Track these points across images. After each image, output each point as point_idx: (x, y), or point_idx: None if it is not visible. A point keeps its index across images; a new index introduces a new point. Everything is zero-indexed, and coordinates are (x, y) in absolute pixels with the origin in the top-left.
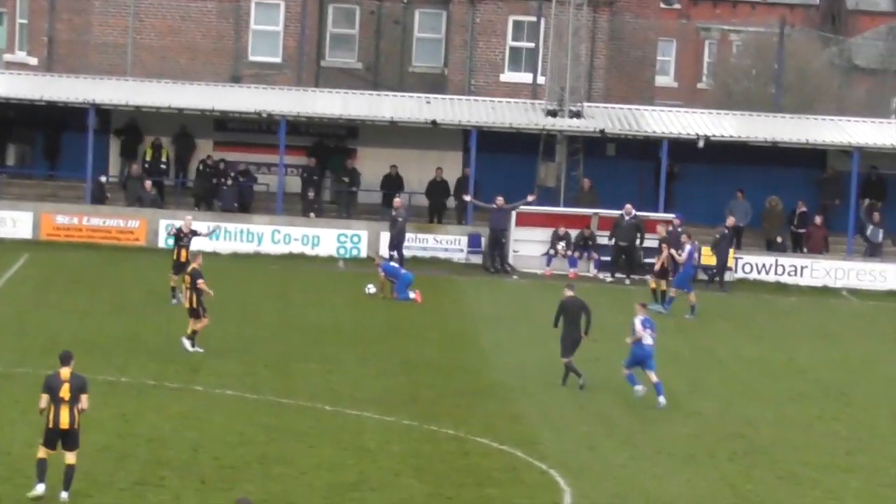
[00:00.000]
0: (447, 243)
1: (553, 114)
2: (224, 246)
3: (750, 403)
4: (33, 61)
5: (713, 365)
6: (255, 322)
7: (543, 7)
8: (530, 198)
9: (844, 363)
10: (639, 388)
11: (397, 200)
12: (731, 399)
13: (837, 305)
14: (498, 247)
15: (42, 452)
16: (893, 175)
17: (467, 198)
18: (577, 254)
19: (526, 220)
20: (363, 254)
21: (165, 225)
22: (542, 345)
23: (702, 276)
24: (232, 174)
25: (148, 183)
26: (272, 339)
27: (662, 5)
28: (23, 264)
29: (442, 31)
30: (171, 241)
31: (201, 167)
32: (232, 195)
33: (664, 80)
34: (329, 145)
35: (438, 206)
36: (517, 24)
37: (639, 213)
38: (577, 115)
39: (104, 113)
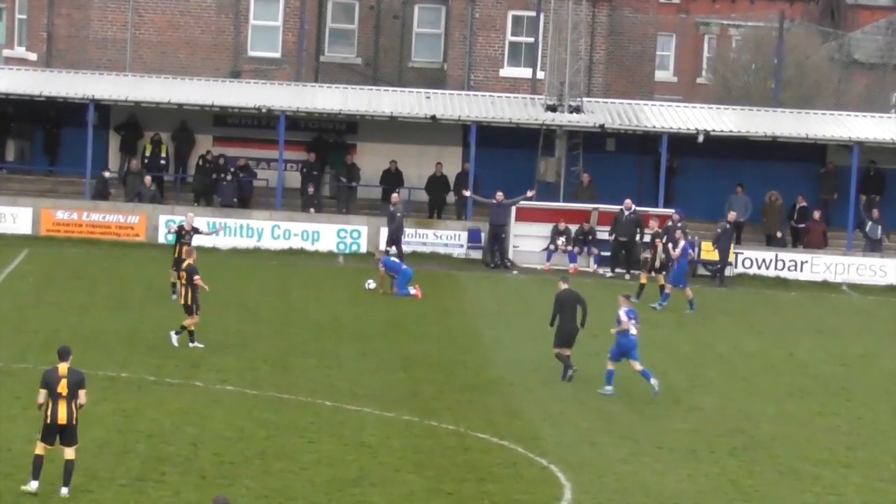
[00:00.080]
0: (447, 238)
1: (552, 109)
2: (224, 241)
3: (750, 398)
4: (32, 57)
5: (713, 360)
6: (254, 318)
7: (542, 2)
8: (530, 193)
9: (844, 358)
10: (609, 388)
11: (395, 196)
12: (731, 394)
13: (837, 300)
14: (498, 242)
15: (39, 449)
16: (892, 169)
17: (467, 193)
18: (576, 249)
19: (526, 216)
20: (363, 249)
21: (166, 221)
22: (543, 340)
23: (702, 271)
24: (231, 169)
25: (147, 178)
26: (272, 334)
27: (661, 0)
28: (22, 260)
29: (441, 26)
30: (172, 238)
31: (201, 162)
32: (231, 191)
33: (663, 75)
34: (328, 140)
35: (438, 201)
36: (516, 19)
37: (638, 208)
38: (577, 109)
39: (104, 108)
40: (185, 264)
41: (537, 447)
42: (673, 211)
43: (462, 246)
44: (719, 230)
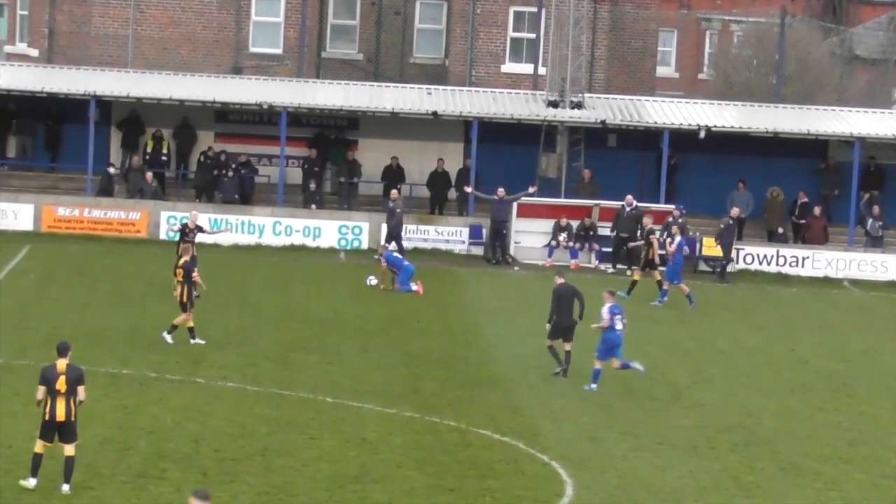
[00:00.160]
0: (448, 234)
1: (554, 104)
2: (225, 238)
3: (751, 394)
4: (34, 53)
5: (714, 356)
6: (256, 314)
7: None
8: (531, 189)
9: (846, 354)
10: (593, 386)
11: (394, 192)
12: (732, 390)
13: (839, 296)
14: (499, 238)
15: (39, 447)
16: (892, 165)
17: (469, 189)
18: (577, 245)
19: (527, 212)
20: (364, 245)
21: (167, 218)
22: (544, 336)
23: (704, 267)
24: (233, 166)
25: (149, 175)
26: (273, 330)
27: None
28: (24, 256)
29: (443, 22)
30: (175, 236)
31: (202, 159)
32: (233, 187)
33: (665, 71)
34: (330, 137)
35: (440, 197)
36: (518, 15)
37: (640, 204)
38: (578, 105)
39: (105, 104)
40: (181, 261)
41: (538, 443)
42: (673, 207)
43: (463, 242)
44: (722, 226)
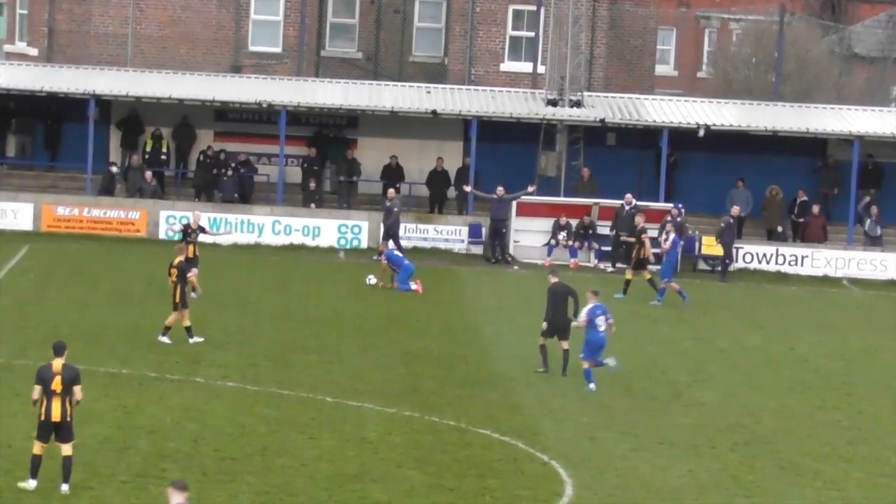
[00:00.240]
0: (448, 233)
1: (553, 103)
2: (226, 238)
3: (751, 393)
4: (33, 52)
5: (714, 355)
6: (255, 313)
7: None
8: (531, 189)
9: (845, 353)
10: (591, 386)
11: (391, 191)
12: (732, 389)
13: (838, 295)
14: (499, 237)
15: (37, 448)
16: (890, 163)
17: (468, 188)
18: (577, 244)
19: (527, 210)
20: (364, 244)
21: (167, 217)
22: None
23: (703, 266)
24: (232, 165)
25: (148, 174)
26: (273, 330)
27: None
28: (23, 256)
29: (442, 21)
30: (178, 236)
31: (202, 158)
32: (232, 186)
33: (664, 69)
34: (329, 135)
35: (439, 196)
36: (517, 14)
37: (639, 203)
38: (578, 104)
39: (104, 103)
40: (175, 261)
41: (538, 443)
42: (672, 205)
43: (463, 241)
44: (723, 225)
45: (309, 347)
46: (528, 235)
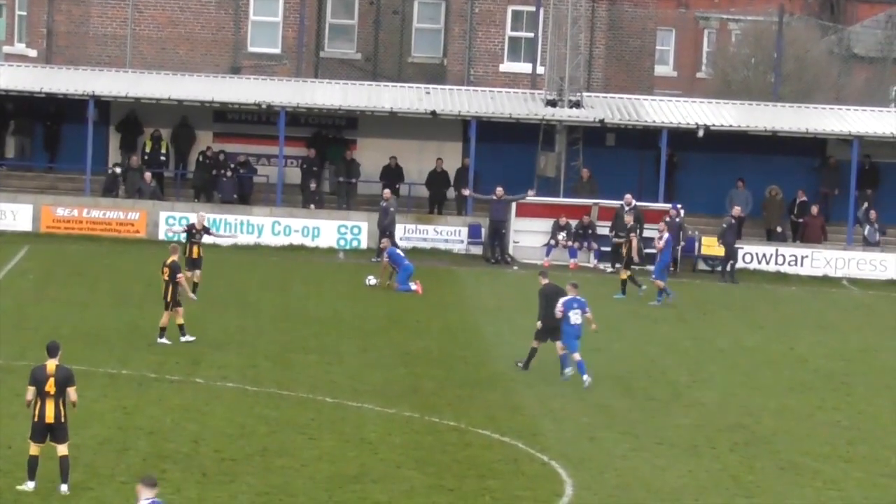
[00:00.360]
0: (447, 234)
1: (552, 104)
2: (226, 239)
3: (751, 394)
4: (32, 53)
5: (714, 355)
6: (255, 314)
7: None
8: (530, 193)
9: (845, 353)
10: (587, 377)
11: (387, 192)
12: (731, 389)
13: (838, 295)
14: (498, 237)
15: (33, 449)
16: (887, 163)
17: (466, 193)
18: (576, 244)
19: (526, 211)
20: (363, 245)
21: (166, 218)
22: None
23: (703, 266)
24: (232, 165)
25: (148, 175)
26: (272, 330)
27: None
28: (23, 257)
29: (441, 22)
30: (176, 236)
31: (201, 159)
32: (231, 187)
33: (663, 70)
34: (328, 136)
35: (438, 196)
36: (516, 14)
37: (639, 203)
38: (577, 104)
39: (104, 104)
40: (168, 260)
41: (538, 443)
42: (671, 206)
43: (462, 241)
44: (724, 225)
45: (308, 348)
46: (528, 236)
